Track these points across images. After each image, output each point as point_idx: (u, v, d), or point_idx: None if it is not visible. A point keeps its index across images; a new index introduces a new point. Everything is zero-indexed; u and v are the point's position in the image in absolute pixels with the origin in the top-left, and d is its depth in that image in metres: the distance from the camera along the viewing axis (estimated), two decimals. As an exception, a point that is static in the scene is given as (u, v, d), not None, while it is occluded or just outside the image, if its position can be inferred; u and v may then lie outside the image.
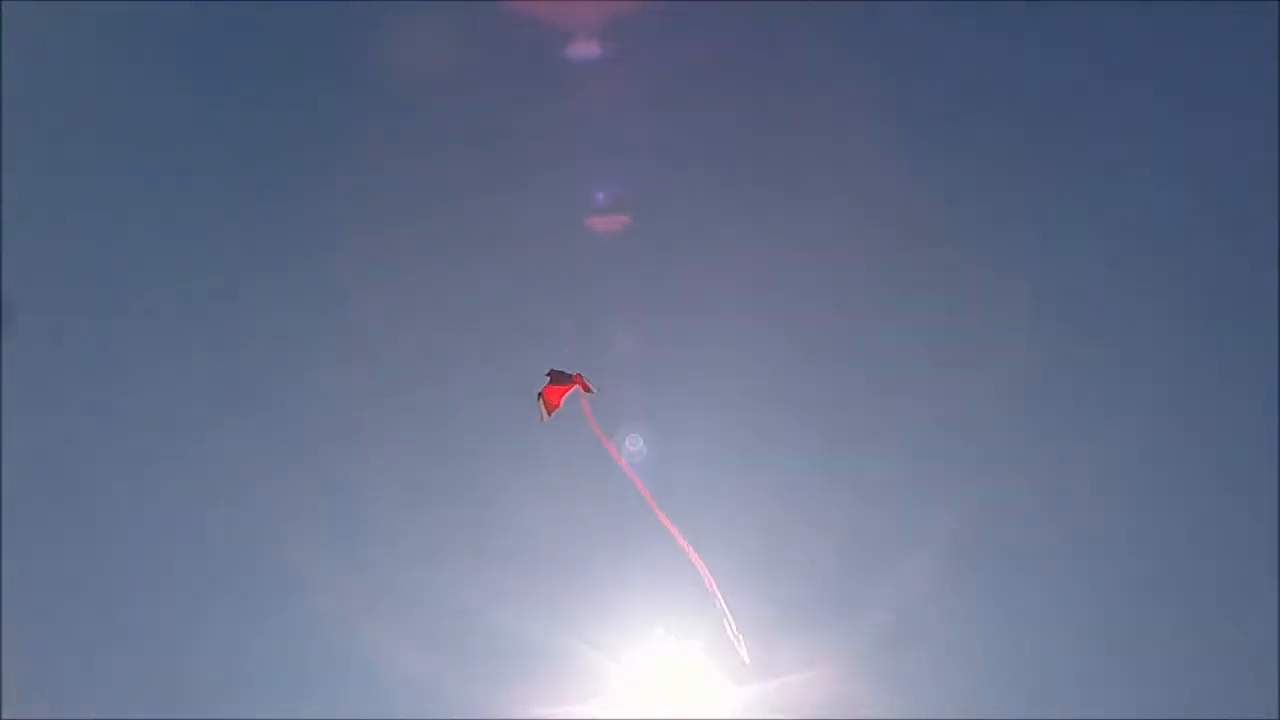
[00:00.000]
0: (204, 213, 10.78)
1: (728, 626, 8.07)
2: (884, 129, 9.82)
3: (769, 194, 10.08)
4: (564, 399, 7.99)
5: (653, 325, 9.77)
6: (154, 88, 10.86)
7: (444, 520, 9.43)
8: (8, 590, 9.64)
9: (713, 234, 9.99)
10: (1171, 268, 9.69)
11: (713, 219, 10.03)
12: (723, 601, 8.05)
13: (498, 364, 9.51)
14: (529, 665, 8.79)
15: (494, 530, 9.34)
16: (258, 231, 10.73)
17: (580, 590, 8.96)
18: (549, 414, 7.96)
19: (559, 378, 8.02)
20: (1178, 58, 10.03)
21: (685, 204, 10.04)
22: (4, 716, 9.28)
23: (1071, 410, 9.67)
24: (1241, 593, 8.96)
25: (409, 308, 9.86)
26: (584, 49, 9.86)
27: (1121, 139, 10.04)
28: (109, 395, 10.78)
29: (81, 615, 10.40)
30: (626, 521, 8.53)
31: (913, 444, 9.52)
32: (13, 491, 9.85)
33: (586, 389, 8.03)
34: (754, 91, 10.23)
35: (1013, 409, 9.44)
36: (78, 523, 10.53)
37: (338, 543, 9.37)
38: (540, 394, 7.99)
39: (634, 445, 8.48)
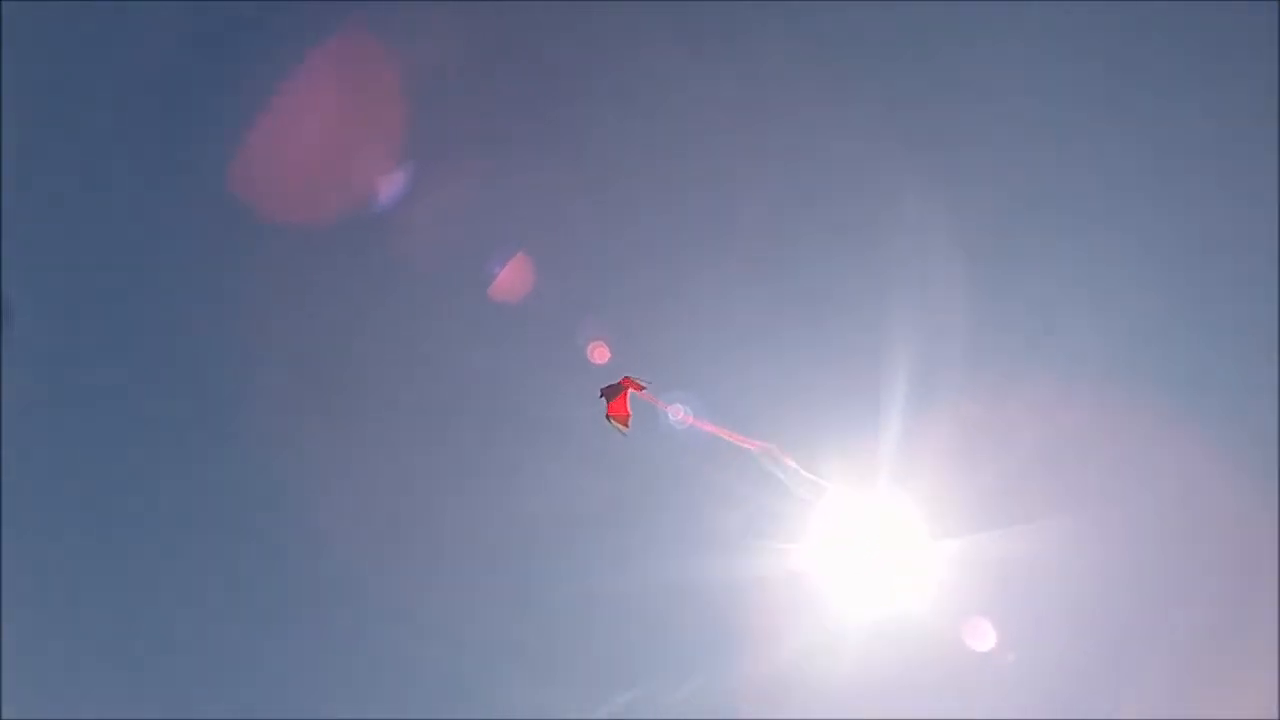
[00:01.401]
0: (203, 212, 10.78)
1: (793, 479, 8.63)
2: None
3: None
4: (628, 405, 8.31)
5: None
6: (153, 88, 10.88)
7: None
8: (8, 590, 9.66)
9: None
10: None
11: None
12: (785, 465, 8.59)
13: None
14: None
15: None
16: (256, 231, 10.73)
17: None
18: (627, 427, 8.30)
19: (611, 392, 8.29)
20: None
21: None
22: (4, 717, 9.29)
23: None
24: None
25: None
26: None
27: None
28: (109, 394, 10.80)
29: (81, 615, 10.43)
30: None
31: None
32: (13, 491, 9.88)
33: (640, 387, 8.30)
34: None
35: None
36: (78, 522, 10.57)
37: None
38: (608, 417, 8.28)
39: (679, 414, 9.02)
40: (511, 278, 10.18)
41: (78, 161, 10.44)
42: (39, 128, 10.01)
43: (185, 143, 10.45)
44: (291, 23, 10.30)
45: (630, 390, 8.26)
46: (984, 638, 9.39)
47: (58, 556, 10.43)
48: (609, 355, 9.10)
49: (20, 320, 9.63)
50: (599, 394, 8.27)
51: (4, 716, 9.30)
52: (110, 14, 10.18)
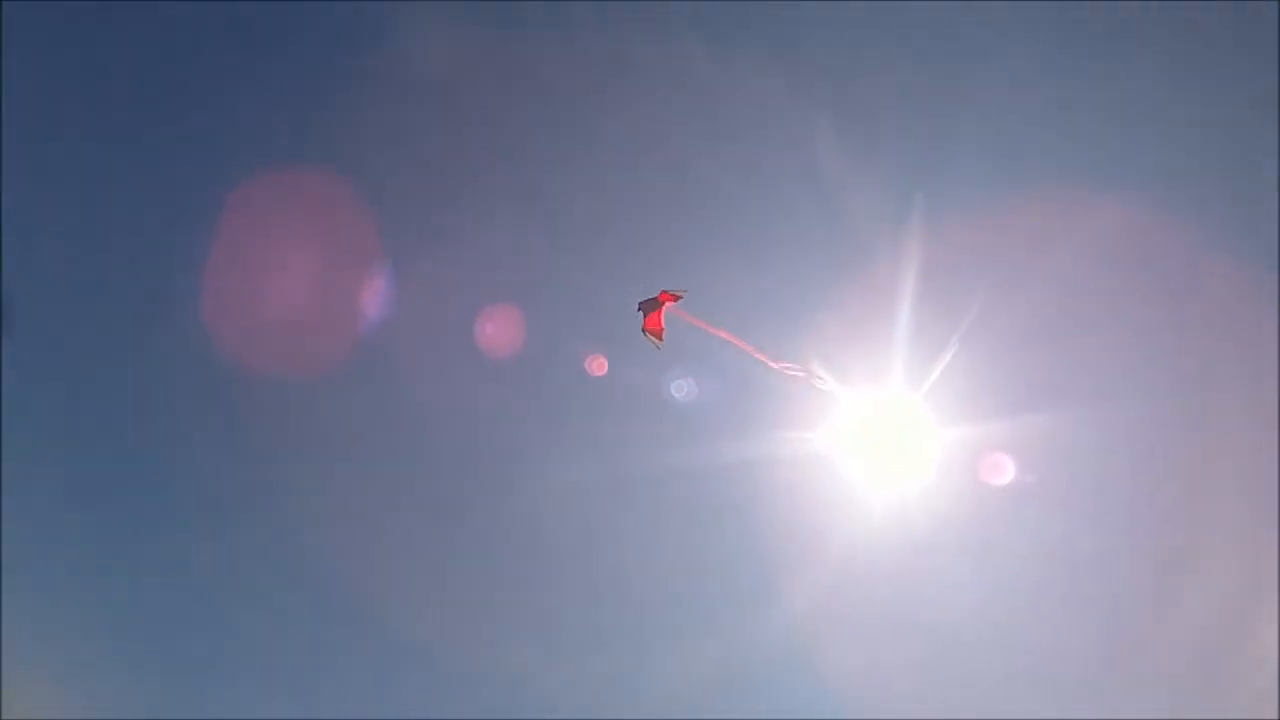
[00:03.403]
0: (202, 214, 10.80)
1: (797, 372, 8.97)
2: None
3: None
4: (663, 318, 8.54)
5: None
6: (153, 88, 10.91)
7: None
8: (8, 590, 9.66)
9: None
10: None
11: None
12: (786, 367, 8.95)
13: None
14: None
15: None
16: (255, 226, 10.76)
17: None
18: (661, 340, 8.57)
19: (648, 306, 8.51)
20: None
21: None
22: (4, 717, 9.28)
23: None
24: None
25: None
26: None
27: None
28: (109, 394, 10.82)
29: (81, 615, 10.42)
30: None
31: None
32: (13, 491, 9.89)
33: (676, 297, 8.51)
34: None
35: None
36: (78, 522, 10.58)
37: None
38: (644, 330, 8.54)
39: (681, 390, 9.78)
40: (503, 328, 10.68)
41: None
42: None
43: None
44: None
45: (665, 306, 8.48)
46: (1002, 471, 10.26)
47: (57, 556, 10.44)
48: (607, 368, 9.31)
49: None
50: (636, 308, 8.53)
51: (4, 717, 9.29)
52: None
